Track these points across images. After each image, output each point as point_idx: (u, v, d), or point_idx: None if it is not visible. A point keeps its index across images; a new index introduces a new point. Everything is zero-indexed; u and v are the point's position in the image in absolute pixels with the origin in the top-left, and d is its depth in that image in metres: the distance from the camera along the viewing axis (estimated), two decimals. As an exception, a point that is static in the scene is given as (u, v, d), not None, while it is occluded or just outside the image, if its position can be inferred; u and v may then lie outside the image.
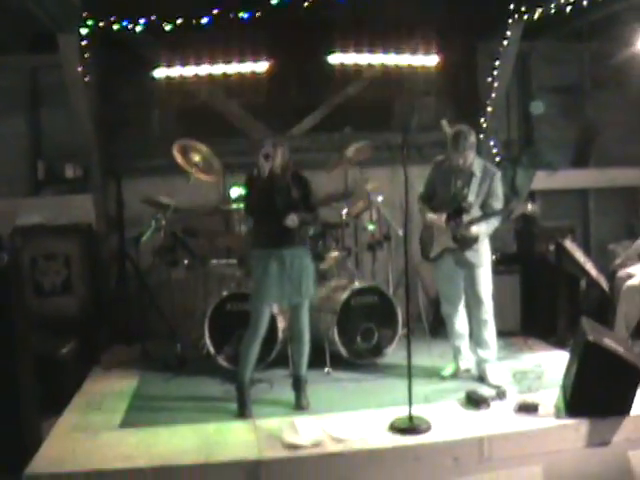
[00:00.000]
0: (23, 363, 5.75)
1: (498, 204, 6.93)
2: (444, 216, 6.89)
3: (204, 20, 8.57)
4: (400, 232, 8.57)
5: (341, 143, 9.02)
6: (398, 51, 9.69)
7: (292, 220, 6.28)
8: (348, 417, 6.18)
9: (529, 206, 6.83)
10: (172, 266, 8.27)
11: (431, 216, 7.02)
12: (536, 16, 8.61)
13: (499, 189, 6.97)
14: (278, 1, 8.30)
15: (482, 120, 9.84)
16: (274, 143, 6.38)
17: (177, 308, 8.40)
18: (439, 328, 8.31)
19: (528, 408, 6.11)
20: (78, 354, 7.67)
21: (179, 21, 8.56)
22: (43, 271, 8.71)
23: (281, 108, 9.71)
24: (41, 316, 8.15)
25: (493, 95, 9.72)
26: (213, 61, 9.29)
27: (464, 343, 7.31)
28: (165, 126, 9.78)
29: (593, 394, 5.87)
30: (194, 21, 8.55)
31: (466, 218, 6.80)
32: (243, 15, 8.49)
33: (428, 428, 5.82)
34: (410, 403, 5.89)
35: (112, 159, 9.33)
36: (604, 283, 8.35)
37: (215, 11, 8.51)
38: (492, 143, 9.99)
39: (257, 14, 8.50)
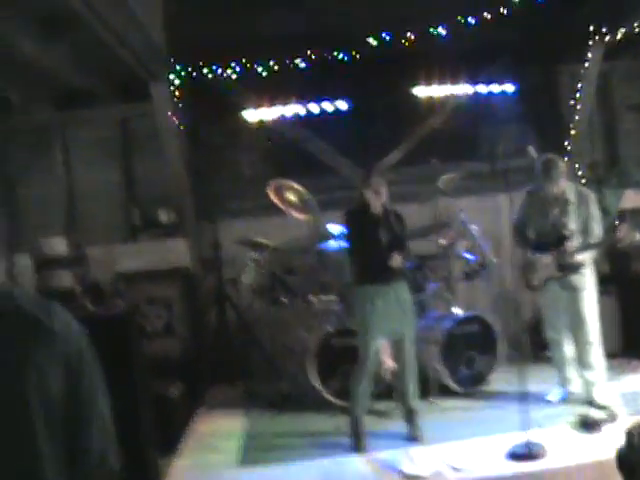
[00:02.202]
0: (143, 405, 5.89)
1: (597, 226, 6.92)
2: (546, 257, 6.91)
3: (300, 64, 8.72)
4: (494, 259, 8.61)
5: (429, 174, 9.06)
6: (479, 80, 9.76)
7: (396, 261, 6.37)
8: (463, 446, 6.18)
9: (638, 235, 6.77)
10: (272, 304, 8.39)
11: (533, 257, 7.05)
12: (618, 36, 8.60)
13: (596, 211, 6.98)
14: (377, 41, 8.42)
15: (566, 143, 9.82)
16: (380, 181, 6.48)
17: (278, 345, 8.50)
18: (541, 352, 8.29)
19: (643, 430, 6.06)
20: (183, 395, 7.79)
21: (273, 66, 8.74)
22: (145, 315, 8.89)
23: (368, 143, 9.83)
24: (145, 359, 8.31)
25: (576, 117, 9.70)
26: (300, 100, 9.45)
27: (570, 367, 7.28)
28: (256, 167, 9.97)
29: None
30: (288, 65, 8.72)
31: (570, 247, 6.80)
32: (341, 56, 8.65)
33: (544, 454, 5.81)
34: (526, 429, 5.89)
35: (205, 202, 9.51)
36: None
37: (310, 53, 8.68)
38: (578, 166, 9.95)
39: (356, 55, 8.63)
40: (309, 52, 8.71)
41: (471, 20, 8.45)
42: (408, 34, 8.55)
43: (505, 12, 8.28)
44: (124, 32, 6.85)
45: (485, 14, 8.47)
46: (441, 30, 8.55)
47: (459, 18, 8.47)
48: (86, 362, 2.04)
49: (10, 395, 1.89)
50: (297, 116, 9.64)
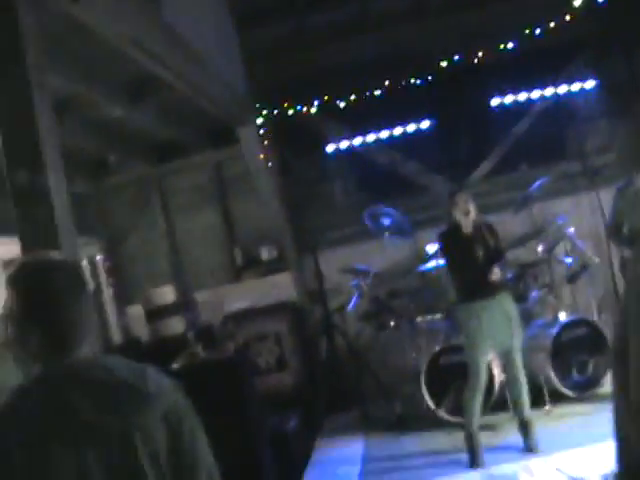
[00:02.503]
0: (261, 443, 6.06)
1: None
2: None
3: (376, 92, 8.89)
4: (596, 260, 8.55)
5: (520, 181, 9.07)
6: (559, 80, 9.73)
7: (496, 274, 6.43)
8: (580, 454, 6.13)
9: None
10: (380, 329, 8.50)
11: (628, 253, 6.98)
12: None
13: None
14: (448, 63, 8.52)
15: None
16: (466, 199, 6.55)
17: (390, 368, 8.60)
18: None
19: None
20: (302, 427, 7.94)
21: (352, 97, 8.92)
22: (257, 352, 9.09)
23: (456, 158, 9.91)
24: (260, 394, 8.51)
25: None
26: (386, 125, 9.59)
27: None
28: (349, 196, 10.14)
29: None
30: (367, 94, 8.88)
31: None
32: (416, 81, 8.77)
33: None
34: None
35: (303, 235, 9.69)
36: None
37: (386, 82, 8.83)
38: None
39: (429, 79, 8.75)
40: (385, 81, 8.83)
41: (536, 31, 8.42)
42: (477, 52, 8.57)
43: (568, 18, 8.20)
44: (204, 86, 7.11)
45: (550, 23, 8.42)
46: (509, 45, 8.54)
47: (526, 30, 8.47)
48: (184, 416, 2.21)
49: (122, 459, 2.07)
50: (384, 140, 9.77)
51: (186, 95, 7.11)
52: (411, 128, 9.71)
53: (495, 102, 9.68)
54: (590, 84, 9.86)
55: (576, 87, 9.86)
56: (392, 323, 8.47)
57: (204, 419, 5.20)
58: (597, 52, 9.99)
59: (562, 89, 9.83)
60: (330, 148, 9.84)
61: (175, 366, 6.08)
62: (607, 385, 7.68)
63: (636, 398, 0.98)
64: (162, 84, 6.74)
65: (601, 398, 7.56)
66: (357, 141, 9.74)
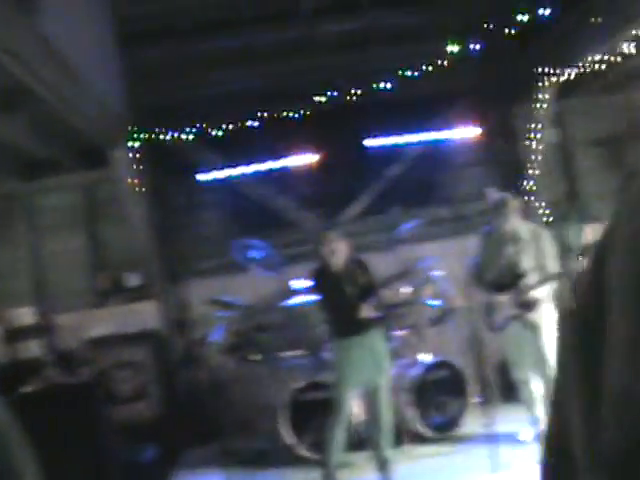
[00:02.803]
0: (112, 471, 5.88)
1: (551, 262, 7.01)
2: (502, 295, 6.99)
3: (251, 123, 8.89)
4: (460, 303, 8.67)
5: (391, 223, 9.15)
6: (435, 126, 9.93)
7: (367, 311, 6.45)
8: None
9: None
10: (243, 362, 8.39)
11: (491, 298, 7.12)
12: (567, 77, 8.75)
13: (550, 247, 7.08)
14: (324, 98, 8.59)
15: (526, 183, 9.94)
16: (334, 238, 6.55)
17: (252, 403, 8.49)
18: (510, 393, 8.33)
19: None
20: (158, 458, 7.76)
21: (227, 126, 8.89)
22: (116, 380, 8.86)
23: (329, 196, 9.94)
24: (117, 424, 8.30)
25: (533, 157, 9.83)
26: (258, 158, 9.57)
27: (539, 405, 7.30)
28: (219, 226, 10.05)
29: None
30: (240, 125, 8.87)
31: (525, 285, 6.89)
32: (294, 115, 8.80)
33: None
34: (495, 471, 5.90)
35: (171, 264, 9.54)
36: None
37: (262, 114, 8.84)
38: (538, 204, 10.06)
39: (305, 113, 8.79)
40: (260, 112, 8.84)
41: (413, 73, 8.58)
42: (353, 90, 8.67)
43: (444, 64, 8.39)
44: (78, 103, 6.94)
45: (426, 67, 8.61)
46: (383, 85, 8.67)
47: (400, 72, 8.62)
48: (6, 437, 2.08)
49: None
50: (258, 173, 9.74)
51: (58, 110, 6.90)
52: (286, 163, 9.70)
53: (371, 143, 9.76)
54: (464, 132, 10.08)
55: (450, 134, 10.06)
56: (255, 357, 8.38)
57: (52, 443, 5.02)
58: (473, 102, 10.23)
59: (437, 135, 10.01)
60: (204, 177, 9.73)
61: (26, 389, 5.84)
62: (465, 426, 7.79)
63: (619, 382, 0.92)
64: (34, 97, 6.51)
65: (458, 439, 7.67)
66: (232, 172, 9.68)
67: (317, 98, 8.70)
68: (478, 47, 8.44)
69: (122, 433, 7.76)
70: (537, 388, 7.26)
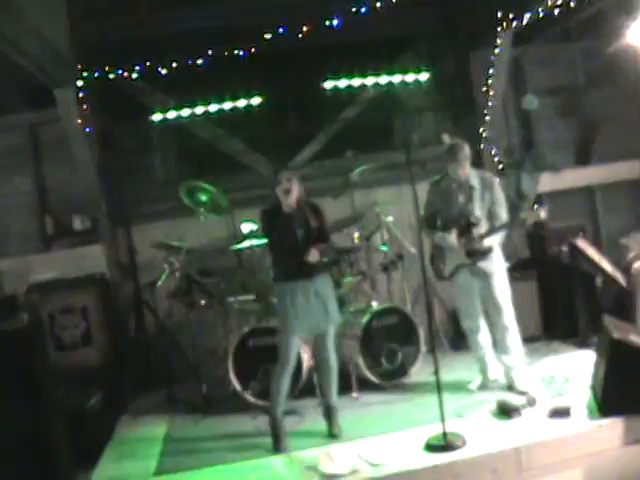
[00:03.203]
0: (52, 419, 5.77)
1: (503, 210, 6.96)
2: (453, 234, 6.91)
3: (199, 61, 8.68)
4: (412, 250, 8.62)
5: (345, 168, 9.03)
6: (391, 70, 9.79)
7: (314, 256, 6.31)
8: (382, 441, 6.16)
9: (542, 214, 6.77)
10: (190, 307, 8.26)
11: (441, 235, 7.03)
12: (525, 22, 8.62)
13: (501, 195, 7.02)
14: (272, 35, 8.40)
15: (481, 129, 9.85)
16: (289, 177, 6.41)
17: (199, 349, 8.38)
18: (460, 342, 8.34)
19: (561, 412, 6.09)
20: (105, 404, 7.65)
21: (174, 64, 8.68)
22: (62, 325, 8.71)
23: (282, 139, 9.79)
24: (64, 370, 8.18)
25: (490, 103, 9.73)
26: (211, 99, 9.38)
27: (488, 353, 7.29)
28: (169, 169, 9.87)
29: (625, 391, 5.85)
30: (189, 63, 8.65)
31: (477, 232, 6.82)
32: (239, 53, 8.60)
33: (463, 443, 5.80)
34: (443, 420, 5.88)
35: (119, 207, 9.34)
36: (621, 278, 8.31)
37: (209, 52, 8.64)
38: (493, 151, 9.98)
39: (252, 51, 8.60)
40: (208, 50, 8.63)
41: (363, 10, 8.40)
42: (303, 27, 8.47)
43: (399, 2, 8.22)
44: (20, 40, 6.68)
45: (376, 3, 8.43)
46: (335, 23, 8.48)
47: (352, 8, 8.43)
48: None
49: None
50: (209, 115, 9.54)
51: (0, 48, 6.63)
52: (237, 104, 9.51)
53: (327, 85, 9.59)
54: (422, 76, 9.95)
55: (408, 78, 9.92)
56: (203, 302, 8.26)
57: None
58: (431, 45, 10.09)
59: (394, 79, 9.86)
60: (152, 118, 9.51)
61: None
62: (414, 376, 7.76)
63: None
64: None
65: (407, 388, 7.65)
66: (181, 113, 9.47)
67: (267, 36, 8.48)
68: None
69: (68, 379, 7.66)
70: (485, 336, 7.24)
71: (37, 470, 5.55)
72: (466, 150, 6.89)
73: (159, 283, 8.32)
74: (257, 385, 7.42)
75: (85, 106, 8.67)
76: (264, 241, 7.09)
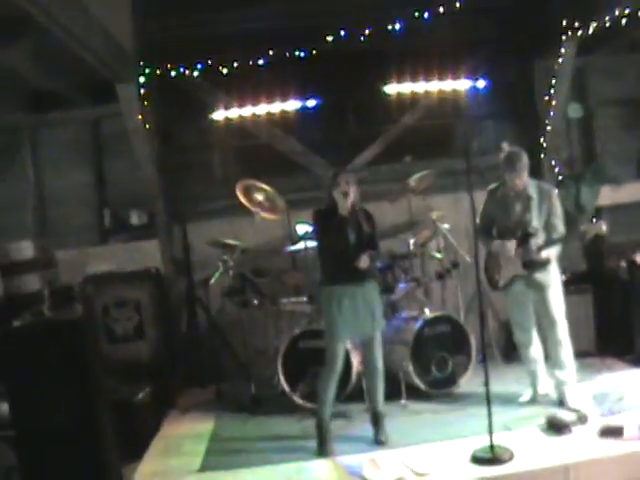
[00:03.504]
0: (100, 410, 5.79)
1: (560, 222, 6.87)
2: (512, 243, 6.82)
3: (260, 61, 8.72)
4: (468, 258, 8.54)
5: (402, 173, 8.98)
6: (453, 76, 9.71)
7: (365, 262, 6.30)
8: (428, 450, 6.11)
9: (603, 227, 6.67)
10: (242, 307, 8.30)
11: (499, 242, 6.95)
12: (590, 31, 8.49)
13: (558, 206, 6.92)
14: (334, 37, 8.41)
15: (542, 139, 9.75)
16: (348, 180, 6.38)
17: (249, 348, 8.43)
18: (511, 353, 8.25)
19: (613, 432, 5.97)
20: (153, 398, 7.71)
21: (235, 64, 8.72)
22: (115, 318, 8.80)
23: (341, 142, 9.76)
24: (115, 362, 8.27)
25: (552, 113, 9.62)
26: (270, 99, 9.41)
27: (540, 367, 7.20)
28: (227, 168, 9.92)
29: (679, 413, 5.75)
30: (250, 63, 8.69)
31: (534, 243, 6.73)
32: (299, 54, 8.62)
33: (511, 457, 5.74)
34: (491, 432, 5.81)
35: (176, 203, 9.42)
36: (679, 297, 8.16)
37: (271, 52, 8.67)
38: (554, 162, 9.86)
39: (313, 51, 8.61)
40: (269, 50, 8.66)
41: (426, 15, 8.36)
42: (365, 30, 8.46)
43: (458, 5, 8.16)
44: (85, 35, 6.76)
45: (439, 8, 8.39)
46: (399, 27, 8.45)
47: (415, 13, 8.40)
48: None
49: None
50: (268, 115, 9.56)
51: (63, 41, 6.70)
52: (296, 105, 9.51)
53: (389, 89, 9.54)
54: (482, 84, 9.85)
55: (468, 85, 9.83)
56: (256, 302, 8.28)
57: (39, 378, 4.95)
58: (494, 52, 9.99)
59: (456, 85, 9.78)
60: (212, 116, 9.55)
61: (16, 323, 5.74)
62: (464, 386, 7.69)
63: None
64: (36, 26, 6.31)
65: (457, 398, 7.58)
66: (241, 112, 9.49)
67: (329, 38, 8.49)
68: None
69: (118, 372, 7.73)
70: (537, 350, 7.15)
71: (84, 461, 5.58)
72: (524, 159, 6.80)
73: (212, 281, 8.36)
74: (305, 387, 7.42)
75: (146, 102, 8.77)
76: (316, 243, 7.05)
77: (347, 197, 6.36)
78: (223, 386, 8.37)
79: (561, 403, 6.94)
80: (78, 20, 6.53)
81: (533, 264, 6.79)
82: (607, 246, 8.98)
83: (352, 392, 7.46)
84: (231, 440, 7.04)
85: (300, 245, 8.08)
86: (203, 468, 6.33)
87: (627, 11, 7.90)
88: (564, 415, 6.48)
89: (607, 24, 8.24)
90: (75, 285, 8.64)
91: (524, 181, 6.82)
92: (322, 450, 6.35)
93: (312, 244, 7.75)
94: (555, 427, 6.23)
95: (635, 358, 8.10)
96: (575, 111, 10.24)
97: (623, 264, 8.48)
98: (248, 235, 8.66)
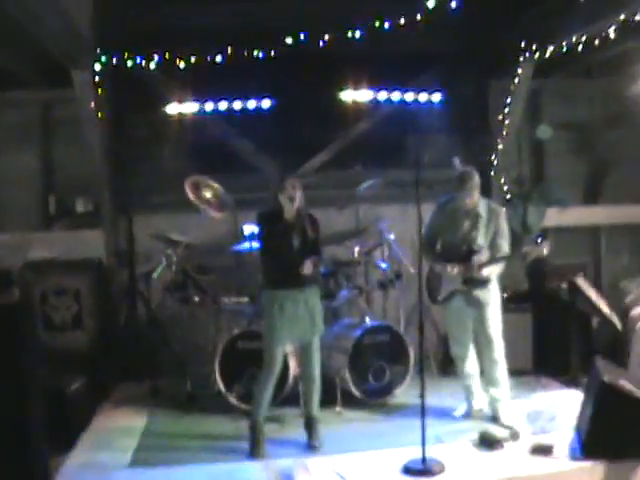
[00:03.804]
0: (32, 398, 5.71)
1: (505, 242, 6.94)
2: (454, 266, 6.87)
3: (218, 58, 8.67)
4: (412, 270, 8.57)
5: (352, 180, 9.00)
6: (409, 88, 9.77)
7: (308, 268, 6.30)
8: (360, 458, 6.11)
9: (545, 250, 6.77)
10: (183, 303, 8.23)
11: (440, 266, 7.00)
12: (547, 54, 8.60)
13: (505, 227, 6.99)
14: (293, 39, 8.39)
15: (493, 157, 9.83)
16: (294, 184, 6.37)
17: (187, 345, 8.38)
18: (448, 367, 8.30)
19: (543, 450, 6.05)
20: (88, 390, 7.62)
21: (193, 59, 8.67)
22: (54, 306, 8.71)
23: (293, 145, 9.71)
24: (51, 351, 8.16)
25: (504, 132, 9.70)
26: (226, 97, 9.37)
27: (475, 383, 7.26)
28: (177, 162, 9.80)
29: (609, 436, 5.82)
30: (208, 59, 8.64)
31: (477, 261, 6.79)
32: (258, 54, 8.59)
33: (442, 470, 5.77)
34: (423, 444, 5.84)
35: (123, 194, 9.30)
36: (617, 321, 8.26)
37: (229, 49, 8.62)
38: (503, 180, 9.95)
39: (272, 52, 8.59)
40: (228, 48, 8.63)
41: (387, 25, 8.40)
42: (325, 35, 8.47)
43: (419, 18, 8.21)
44: (41, 15, 6.65)
45: (400, 20, 8.42)
46: (358, 35, 8.48)
47: (376, 22, 8.42)
48: None
49: None
50: (221, 112, 9.53)
51: (20, 22, 6.59)
52: (251, 105, 9.49)
53: (345, 95, 9.56)
54: (438, 97, 9.93)
55: (424, 98, 9.90)
56: (197, 299, 8.21)
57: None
58: (451, 67, 10.06)
59: (411, 97, 9.84)
60: (166, 110, 9.47)
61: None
62: (400, 396, 7.72)
63: None
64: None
65: (392, 408, 7.60)
66: (195, 108, 9.44)
67: (288, 40, 8.49)
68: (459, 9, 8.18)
69: (54, 361, 7.62)
70: (473, 365, 7.21)
71: (10, 447, 5.49)
72: (476, 179, 6.85)
73: (155, 275, 8.28)
74: (241, 388, 7.39)
75: (100, 90, 8.65)
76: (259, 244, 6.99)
77: (293, 202, 6.35)
78: (159, 382, 8.27)
79: (494, 419, 7.01)
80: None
81: (474, 281, 6.84)
82: (549, 267, 9.09)
83: (288, 396, 7.45)
84: (163, 437, 6.98)
85: (245, 245, 8.04)
86: (133, 464, 6.25)
87: (584, 38, 8.00)
88: (497, 431, 6.55)
89: (564, 49, 8.34)
90: (14, 269, 8.49)
91: (474, 200, 6.87)
92: (254, 452, 6.33)
93: (256, 245, 7.73)
94: (487, 442, 6.29)
95: (570, 379, 8.19)
96: (544, 132, 10.35)
97: (564, 286, 8.57)
98: (194, 231, 8.56)
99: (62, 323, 8.73)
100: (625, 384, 5.90)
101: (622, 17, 7.20)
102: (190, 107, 9.44)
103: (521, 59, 9.02)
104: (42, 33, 7.05)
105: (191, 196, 8.07)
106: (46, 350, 7.93)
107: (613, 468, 5.75)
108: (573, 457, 5.93)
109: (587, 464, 5.79)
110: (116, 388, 8.52)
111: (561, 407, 7.31)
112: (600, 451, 5.81)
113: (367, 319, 7.97)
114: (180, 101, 9.41)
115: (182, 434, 7.03)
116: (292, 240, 6.37)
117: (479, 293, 6.87)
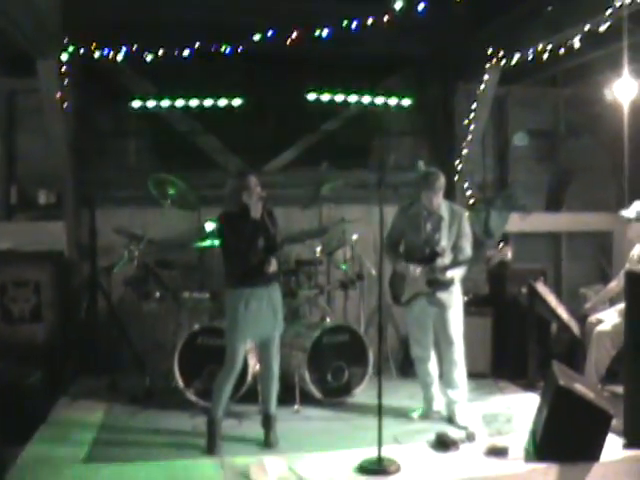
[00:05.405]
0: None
1: (468, 245, 6.99)
2: (417, 267, 6.90)
3: (185, 52, 8.65)
4: (373, 271, 8.60)
5: (316, 180, 9.02)
6: (376, 90, 9.81)
7: (273, 266, 6.34)
8: (316, 457, 6.13)
9: (508, 254, 6.84)
10: (144, 298, 8.19)
11: (404, 265, 7.03)
12: (513, 62, 8.66)
13: (468, 229, 7.05)
14: (260, 37, 8.39)
15: (457, 162, 9.89)
16: (257, 182, 6.37)
17: (147, 340, 8.36)
18: (407, 368, 8.34)
19: (498, 451, 6.10)
20: (45, 383, 7.56)
21: (160, 52, 8.63)
22: (12, 298, 8.62)
23: (258, 143, 9.69)
24: (9, 343, 8.09)
25: (469, 137, 9.76)
26: (192, 93, 9.35)
27: (434, 384, 7.30)
28: (141, 157, 9.76)
29: (563, 439, 5.88)
30: (175, 53, 8.61)
31: (440, 263, 6.83)
32: (225, 50, 8.58)
33: (397, 470, 5.80)
34: (379, 444, 5.86)
35: (87, 187, 9.23)
36: (575, 327, 8.33)
37: (197, 44, 8.60)
38: (466, 185, 10.01)
39: (239, 49, 8.57)
40: (196, 43, 8.61)
41: (353, 25, 8.45)
42: (293, 33, 8.49)
43: (386, 20, 8.26)
44: (5, 2, 6.57)
45: (367, 21, 8.47)
46: (325, 34, 8.51)
47: (344, 22, 8.46)
48: None
49: None
50: (188, 109, 9.51)
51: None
52: (218, 101, 9.48)
53: (311, 95, 9.59)
54: (405, 100, 9.99)
55: (391, 100, 9.96)
56: (157, 294, 8.18)
57: None
58: (418, 71, 10.11)
59: (377, 99, 9.90)
60: (131, 104, 9.43)
61: None
62: (358, 396, 7.74)
63: None
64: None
65: (350, 407, 7.62)
66: (161, 103, 9.42)
67: (256, 37, 8.50)
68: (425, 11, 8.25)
69: (11, 353, 7.57)
70: (433, 367, 7.25)
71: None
72: (442, 180, 6.91)
73: (116, 269, 8.25)
74: (200, 384, 7.37)
75: (66, 81, 8.56)
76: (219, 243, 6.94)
77: (259, 201, 6.35)
78: (117, 376, 8.23)
79: (451, 421, 7.06)
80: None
81: (437, 283, 6.88)
82: (510, 272, 9.15)
83: (247, 393, 7.45)
84: (120, 432, 6.93)
85: (208, 242, 8.03)
86: (88, 459, 6.18)
87: (549, 46, 8.07)
88: (453, 432, 6.59)
89: (530, 57, 8.41)
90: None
91: (439, 201, 6.92)
92: (211, 449, 6.31)
93: (218, 243, 7.71)
94: (443, 444, 6.32)
95: (528, 383, 8.27)
96: (521, 139, 10.44)
97: (524, 290, 8.64)
98: (156, 227, 8.52)
99: (21, 315, 8.64)
100: (580, 388, 5.97)
101: (587, 27, 7.26)
102: (156, 102, 9.40)
103: (487, 65, 9.06)
104: (6, 20, 6.92)
105: (155, 192, 8.05)
106: (3, 342, 7.87)
107: (566, 470, 5.81)
108: (527, 459, 6.00)
109: (541, 466, 5.85)
110: (74, 382, 8.43)
111: (518, 410, 7.38)
112: (554, 453, 5.88)
113: (327, 319, 8.00)
114: (146, 95, 9.37)
115: (139, 429, 6.99)
116: (256, 239, 6.36)
117: (442, 295, 6.91)
